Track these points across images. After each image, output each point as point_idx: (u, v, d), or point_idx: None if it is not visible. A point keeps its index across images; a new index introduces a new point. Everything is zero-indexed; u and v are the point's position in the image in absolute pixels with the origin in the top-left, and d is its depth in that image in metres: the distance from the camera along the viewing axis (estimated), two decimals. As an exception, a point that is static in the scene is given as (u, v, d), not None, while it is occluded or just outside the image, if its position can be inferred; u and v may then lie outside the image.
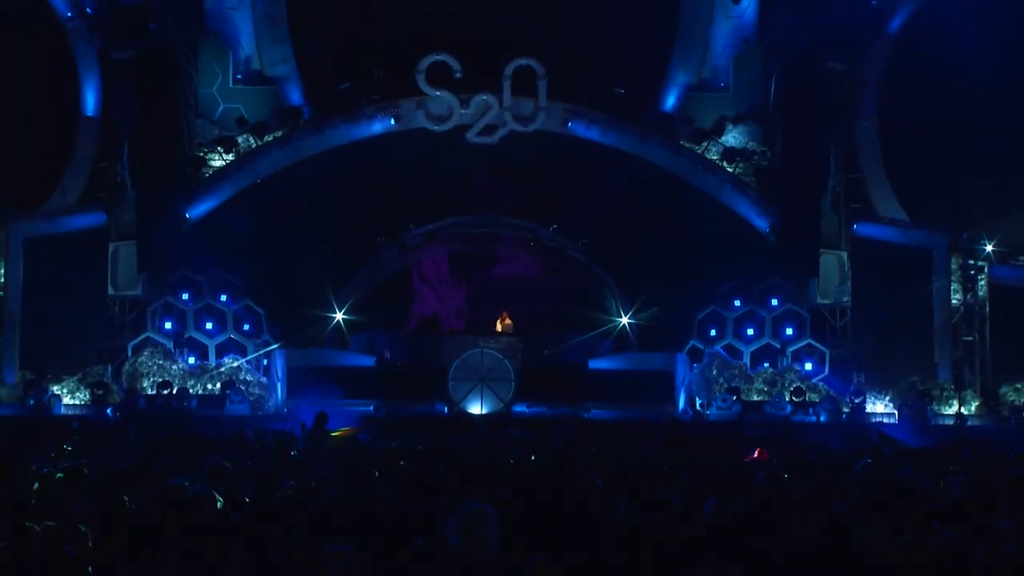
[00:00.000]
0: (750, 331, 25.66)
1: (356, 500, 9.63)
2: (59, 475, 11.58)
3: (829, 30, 26.43)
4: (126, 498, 8.66)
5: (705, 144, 27.33)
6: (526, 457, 14.76)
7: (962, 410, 24.22)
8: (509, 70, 26.50)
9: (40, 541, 7.11)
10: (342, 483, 10.93)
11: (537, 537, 7.60)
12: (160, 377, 24.26)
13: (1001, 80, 25.31)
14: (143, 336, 24.86)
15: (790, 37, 26.81)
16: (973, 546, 7.57)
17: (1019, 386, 24.59)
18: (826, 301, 26.03)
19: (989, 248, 25.54)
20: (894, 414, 24.32)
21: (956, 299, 25.74)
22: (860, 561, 7.46)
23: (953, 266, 25.73)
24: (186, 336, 25.05)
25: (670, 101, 27.81)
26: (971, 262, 25.77)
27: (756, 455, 16.31)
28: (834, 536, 7.86)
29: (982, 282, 25.67)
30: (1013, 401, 24.29)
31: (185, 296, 25.26)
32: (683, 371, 25.00)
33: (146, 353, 24.61)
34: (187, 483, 9.91)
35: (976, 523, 8.62)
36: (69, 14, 25.64)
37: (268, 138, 27.13)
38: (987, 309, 25.64)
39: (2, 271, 24.44)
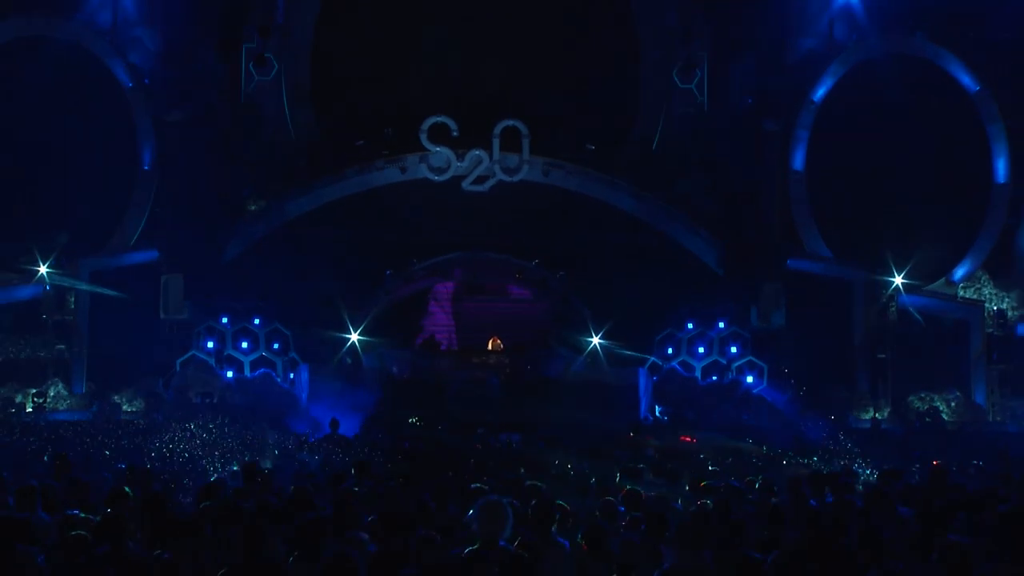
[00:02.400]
0: (701, 349, 25.58)
1: (370, 494, 9.75)
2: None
3: (766, 98, 26.93)
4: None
5: (663, 191, 27.28)
6: (515, 456, 14.89)
7: (877, 416, 24.23)
8: (498, 130, 26.70)
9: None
10: (358, 479, 10.95)
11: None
12: (203, 388, 24.15)
13: (906, 139, 25.74)
14: (189, 354, 24.73)
15: (734, 103, 27.32)
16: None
17: (923, 395, 24.77)
18: (765, 324, 25.68)
19: (898, 280, 25.45)
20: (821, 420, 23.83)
21: (872, 323, 25.54)
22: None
23: (869, 295, 25.53)
24: (225, 354, 24.95)
25: (635, 155, 27.88)
26: (884, 291, 25.55)
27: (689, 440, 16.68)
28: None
29: (893, 308, 25.51)
30: (919, 408, 24.48)
31: (224, 320, 25.10)
32: (645, 383, 24.94)
33: (192, 368, 24.50)
34: (227, 478, 10.09)
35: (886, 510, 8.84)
36: (130, 84, 25.78)
37: (295, 187, 27.04)
38: (897, 331, 25.41)
39: (73, 299, 24.37)
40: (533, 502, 7.67)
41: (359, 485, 10.11)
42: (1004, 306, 25.58)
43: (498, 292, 28.64)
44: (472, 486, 9.11)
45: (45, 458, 14.46)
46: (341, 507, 7.89)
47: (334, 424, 18.57)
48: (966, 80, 26.01)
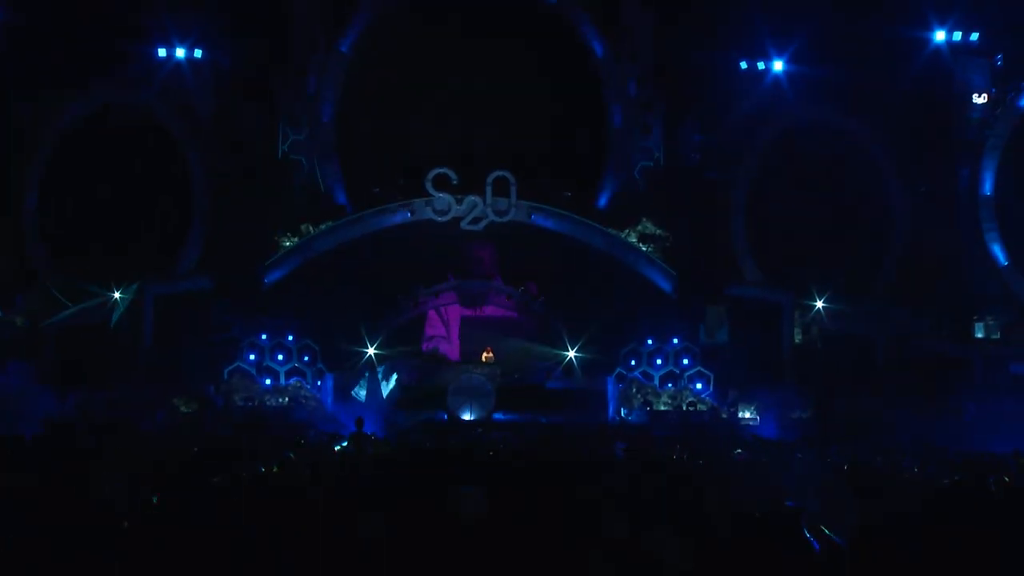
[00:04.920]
0: (658, 361, 25.58)
1: (385, 480, 9.91)
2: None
3: (711, 152, 27.33)
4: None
5: (627, 231, 27.63)
6: (505, 451, 14.99)
7: (802, 415, 24.13)
8: (490, 179, 26.86)
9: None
10: (373, 468, 11.14)
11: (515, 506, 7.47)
12: (247, 393, 24.39)
13: (826, 186, 26.17)
14: (234, 364, 24.91)
15: (684, 157, 27.64)
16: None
17: (840, 398, 24.18)
18: (711, 340, 25.68)
19: (819, 304, 25.70)
20: (756, 418, 24.21)
21: (798, 338, 25.68)
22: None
23: (795, 316, 25.65)
24: (264, 365, 25.05)
25: (603, 200, 28.21)
26: (808, 313, 25.63)
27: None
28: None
29: (815, 327, 25.61)
30: (836, 408, 23.97)
31: (263, 336, 25.17)
32: (612, 390, 25.17)
33: (237, 376, 24.71)
34: (262, 468, 10.30)
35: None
36: (187, 142, 26.13)
37: (322, 227, 27.32)
38: (819, 345, 25.50)
39: (140, 319, 24.59)
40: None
41: (376, 474, 10.31)
42: (903, 325, 25.70)
43: (490, 312, 28.54)
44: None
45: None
46: (362, 491, 8.07)
47: (359, 422, 18.73)
48: (872, 137, 26.54)
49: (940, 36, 26.55)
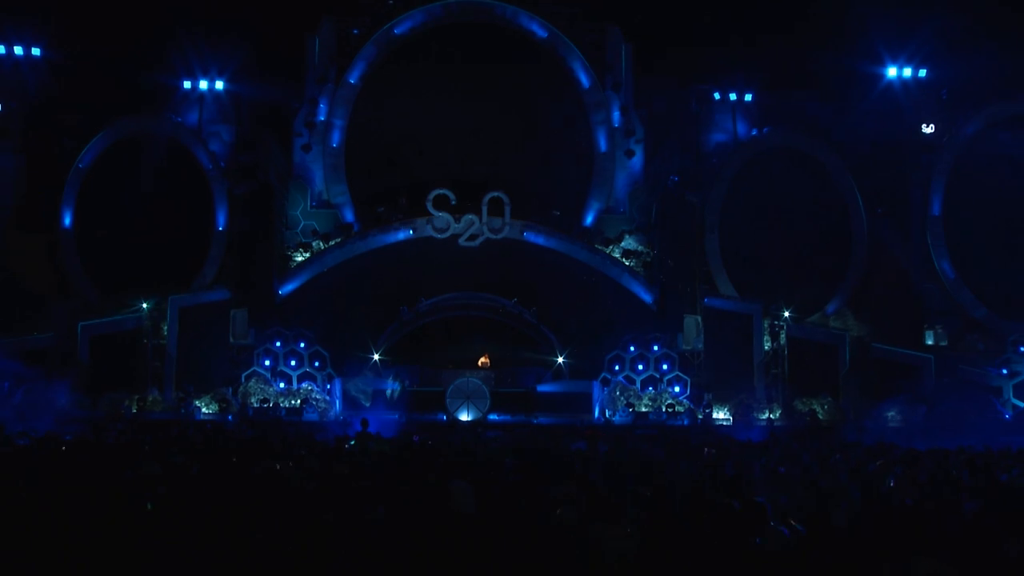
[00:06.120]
0: (640, 367, 25.75)
1: (388, 476, 9.82)
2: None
3: (688, 175, 27.37)
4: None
5: (611, 247, 27.86)
6: (499, 448, 15.18)
7: (771, 416, 24.53)
8: (486, 199, 26.74)
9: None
10: (379, 466, 11.17)
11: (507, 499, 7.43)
12: (262, 396, 24.51)
13: (793, 207, 26.37)
14: (251, 369, 25.00)
15: (663, 180, 27.72)
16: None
17: (806, 400, 24.78)
18: (688, 347, 25.92)
19: (786, 314, 25.70)
20: (729, 419, 24.45)
21: (767, 346, 25.63)
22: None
23: (764, 325, 25.67)
24: (278, 369, 25.17)
25: (589, 219, 28.41)
26: (776, 322, 25.65)
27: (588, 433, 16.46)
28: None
29: (783, 335, 25.66)
30: (802, 410, 24.67)
31: (277, 343, 25.30)
32: (597, 393, 25.18)
33: (253, 380, 24.83)
34: (277, 464, 10.53)
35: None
36: (209, 166, 26.30)
37: (331, 243, 27.47)
38: (786, 352, 25.48)
39: (165, 328, 24.70)
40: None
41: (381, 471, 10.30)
42: (863, 333, 26.14)
43: (486, 321, 28.49)
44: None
45: (145, 447, 14.76)
46: (366, 486, 7.96)
47: (364, 423, 19.07)
48: (833, 162, 26.93)
49: (892, 72, 27.21)
